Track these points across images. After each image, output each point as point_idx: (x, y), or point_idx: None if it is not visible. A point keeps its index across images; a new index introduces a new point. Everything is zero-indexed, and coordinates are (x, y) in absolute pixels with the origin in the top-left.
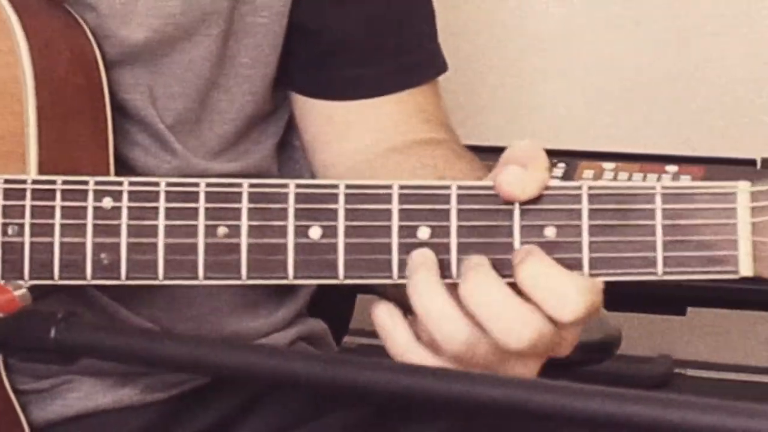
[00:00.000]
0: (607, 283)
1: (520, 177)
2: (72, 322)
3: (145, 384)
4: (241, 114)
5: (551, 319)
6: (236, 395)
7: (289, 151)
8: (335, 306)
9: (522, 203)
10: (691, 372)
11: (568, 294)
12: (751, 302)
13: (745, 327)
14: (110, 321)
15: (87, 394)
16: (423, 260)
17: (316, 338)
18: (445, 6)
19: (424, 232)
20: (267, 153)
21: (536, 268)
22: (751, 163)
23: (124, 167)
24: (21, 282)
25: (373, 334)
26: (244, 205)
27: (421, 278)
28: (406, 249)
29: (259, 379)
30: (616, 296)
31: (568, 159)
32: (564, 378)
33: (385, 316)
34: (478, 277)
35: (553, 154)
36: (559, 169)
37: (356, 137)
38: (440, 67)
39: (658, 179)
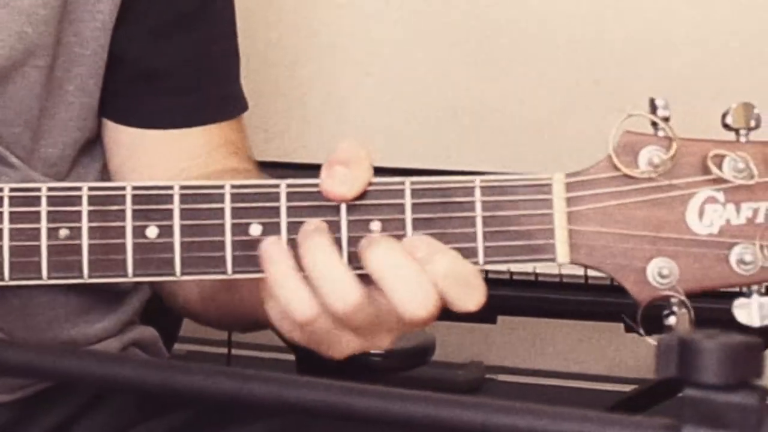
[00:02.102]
0: None
1: (346, 177)
2: None
3: None
4: (68, 139)
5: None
6: (76, 398)
7: None
8: (166, 314)
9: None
10: (501, 377)
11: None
12: (556, 311)
13: (551, 334)
14: None
15: None
16: (314, 227)
17: (148, 344)
18: (266, 26)
19: (256, 229)
20: (94, 176)
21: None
22: None
23: None
24: None
25: (200, 341)
26: (84, 207)
27: (316, 243)
28: (238, 246)
29: (92, 383)
30: None
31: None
32: (381, 383)
33: (272, 242)
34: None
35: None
36: None
37: (165, 164)
38: (243, 105)
39: None
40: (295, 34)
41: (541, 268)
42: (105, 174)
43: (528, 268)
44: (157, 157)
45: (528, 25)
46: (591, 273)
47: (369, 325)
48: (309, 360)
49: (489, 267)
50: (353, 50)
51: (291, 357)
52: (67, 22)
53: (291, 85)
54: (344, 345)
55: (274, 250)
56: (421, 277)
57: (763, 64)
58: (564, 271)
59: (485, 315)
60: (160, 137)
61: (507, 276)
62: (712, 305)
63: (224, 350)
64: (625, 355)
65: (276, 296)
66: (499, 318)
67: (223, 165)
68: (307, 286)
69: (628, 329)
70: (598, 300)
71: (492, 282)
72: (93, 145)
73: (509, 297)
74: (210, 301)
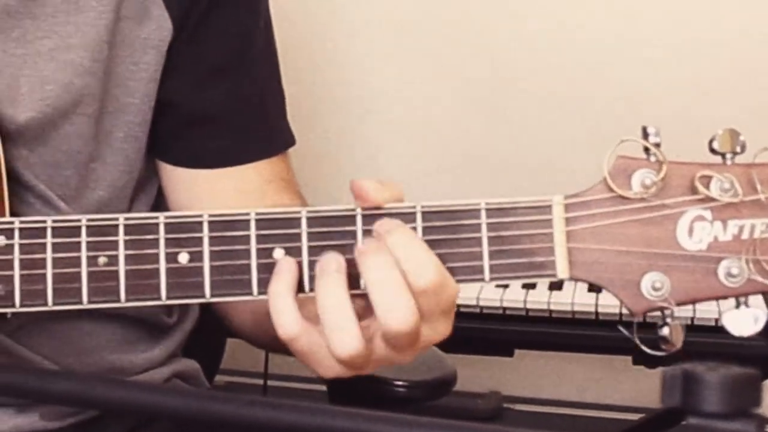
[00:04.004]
0: None
1: (378, 184)
2: None
3: (41, 413)
4: (117, 183)
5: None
6: (122, 425)
7: None
8: (208, 348)
9: (364, 225)
10: (518, 406)
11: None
12: (569, 345)
13: (564, 367)
14: (6, 357)
15: None
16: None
17: (190, 376)
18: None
19: (279, 253)
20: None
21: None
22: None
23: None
24: None
25: (239, 373)
26: (121, 237)
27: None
28: (263, 269)
29: (138, 412)
30: (452, 339)
31: None
32: (407, 412)
33: (284, 260)
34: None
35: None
36: None
37: (219, 201)
38: (290, 140)
39: None
40: (316, 84)
41: (555, 305)
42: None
43: (543, 305)
44: (211, 195)
45: (533, 76)
46: (601, 309)
47: (361, 363)
48: (340, 390)
49: (497, 294)
50: (369, 101)
51: (323, 388)
52: (114, 73)
53: (308, 133)
54: (332, 372)
55: (282, 267)
56: (405, 292)
57: (749, 99)
58: (576, 308)
59: (503, 348)
60: (213, 175)
61: (523, 312)
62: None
63: (261, 381)
64: (633, 385)
65: (269, 306)
66: (516, 351)
67: (278, 200)
68: (296, 306)
69: (636, 362)
70: (607, 335)
71: (509, 318)
72: (141, 187)
73: (525, 332)
74: (260, 326)
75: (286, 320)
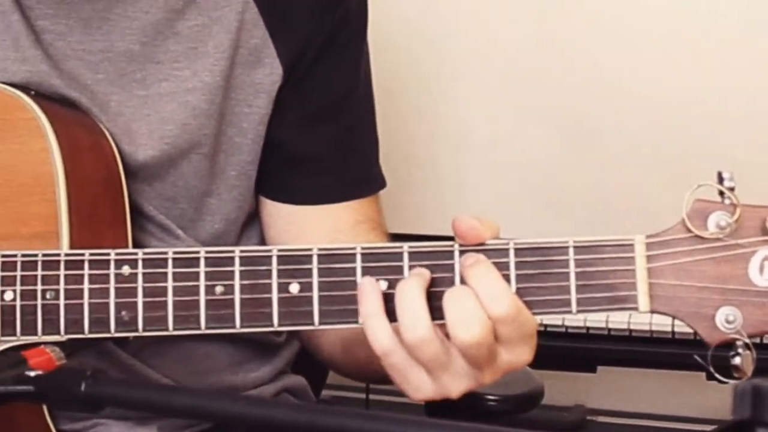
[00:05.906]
0: None
1: (478, 225)
2: (98, 378)
3: (158, 426)
4: (230, 216)
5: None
6: None
7: None
8: (314, 365)
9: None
10: (601, 419)
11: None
12: (648, 361)
13: (643, 382)
14: (130, 374)
15: None
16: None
17: (298, 391)
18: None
19: (382, 285)
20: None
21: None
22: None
23: (138, 248)
24: (57, 336)
25: (346, 387)
26: (236, 267)
27: (411, 283)
28: None
29: (250, 424)
30: (540, 357)
31: None
32: (499, 424)
33: (367, 282)
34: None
35: None
36: None
37: (314, 236)
38: (382, 183)
39: None
40: (414, 124)
41: (635, 324)
42: (262, 244)
43: (623, 324)
44: (306, 229)
45: (618, 122)
46: (677, 329)
47: (437, 363)
48: (436, 404)
49: (581, 315)
50: (464, 142)
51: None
52: (228, 115)
53: (404, 169)
54: (418, 383)
55: (366, 288)
56: (472, 306)
57: None
58: (654, 328)
59: (587, 365)
60: (310, 212)
61: (605, 331)
62: None
63: (363, 395)
64: (707, 399)
65: (364, 327)
66: (599, 367)
67: (366, 240)
68: (388, 322)
69: (710, 377)
70: (683, 352)
71: (592, 336)
72: (251, 219)
73: (607, 349)
74: (350, 356)
75: (380, 335)
